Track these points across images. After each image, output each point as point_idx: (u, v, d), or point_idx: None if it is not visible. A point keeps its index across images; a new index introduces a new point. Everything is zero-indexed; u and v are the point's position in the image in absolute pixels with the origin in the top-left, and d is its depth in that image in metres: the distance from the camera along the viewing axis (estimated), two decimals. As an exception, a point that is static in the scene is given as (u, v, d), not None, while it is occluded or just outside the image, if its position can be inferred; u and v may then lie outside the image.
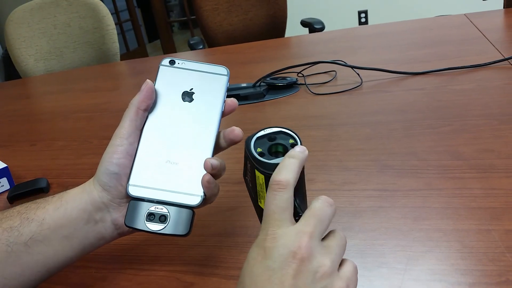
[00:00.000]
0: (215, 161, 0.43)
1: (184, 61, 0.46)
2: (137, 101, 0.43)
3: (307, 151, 0.38)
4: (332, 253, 0.34)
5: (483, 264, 0.43)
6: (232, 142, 0.45)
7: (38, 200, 0.44)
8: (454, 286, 0.41)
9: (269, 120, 0.88)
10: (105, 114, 1.11)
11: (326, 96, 0.96)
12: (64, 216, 0.42)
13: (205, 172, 0.43)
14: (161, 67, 0.46)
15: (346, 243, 0.36)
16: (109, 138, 0.93)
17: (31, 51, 1.88)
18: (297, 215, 0.36)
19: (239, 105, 0.99)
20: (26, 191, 0.73)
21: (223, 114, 0.46)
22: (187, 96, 0.45)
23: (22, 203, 0.71)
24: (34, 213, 0.42)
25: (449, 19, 1.45)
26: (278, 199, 0.35)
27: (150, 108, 0.44)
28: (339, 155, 0.69)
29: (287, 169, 0.36)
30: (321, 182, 0.62)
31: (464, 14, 1.45)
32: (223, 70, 0.46)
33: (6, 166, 0.77)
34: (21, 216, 0.42)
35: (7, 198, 0.73)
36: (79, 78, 1.60)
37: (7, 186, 0.77)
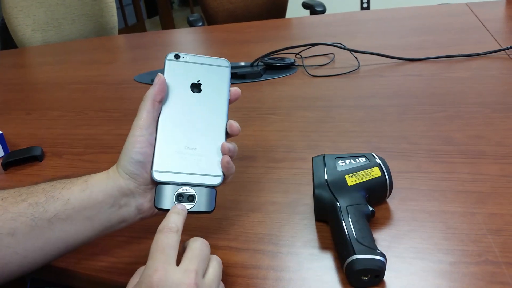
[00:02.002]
0: (231, 145, 0.47)
1: (188, 55, 0.49)
2: (152, 94, 0.46)
3: (186, 211, 0.43)
4: (213, 285, 0.38)
5: (465, 244, 0.44)
6: (232, 135, 0.48)
7: (62, 180, 0.45)
8: (436, 264, 0.43)
9: (265, 100, 0.88)
10: (101, 87, 1.11)
11: (323, 78, 0.96)
12: (89, 199, 0.43)
13: (221, 155, 0.46)
14: (167, 61, 0.49)
15: (221, 269, 0.41)
16: (104, 110, 0.94)
17: (29, 21, 1.86)
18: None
19: (236, 83, 0.99)
20: (20, 159, 0.74)
21: (229, 102, 0.49)
22: (196, 87, 0.48)
23: (16, 170, 0.73)
24: (59, 192, 0.43)
25: (450, 7, 1.44)
26: (170, 239, 0.38)
27: (163, 100, 0.47)
28: (333, 136, 0.70)
29: (177, 217, 0.41)
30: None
31: (466, 3, 1.44)
32: (224, 62, 0.50)
33: (1, 133, 0.78)
34: (47, 193, 0.43)
35: (1, 164, 0.73)
36: (77, 50, 1.59)
37: (1, 153, 0.78)
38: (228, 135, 0.48)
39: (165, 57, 0.49)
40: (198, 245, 0.39)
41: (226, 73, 0.49)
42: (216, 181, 0.45)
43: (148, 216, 0.47)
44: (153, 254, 0.37)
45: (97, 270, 0.48)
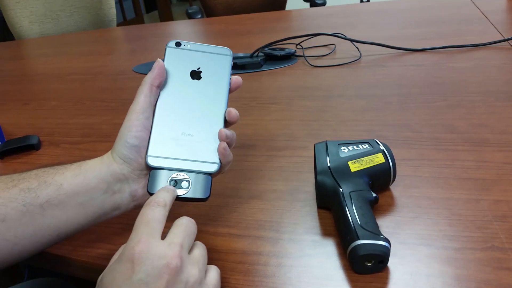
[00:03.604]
0: (228, 131, 0.45)
1: (189, 43, 0.48)
2: (150, 78, 0.45)
3: (175, 191, 0.42)
4: (200, 263, 0.36)
5: (470, 231, 0.44)
6: (231, 122, 0.47)
7: (56, 166, 0.44)
8: (440, 250, 0.42)
9: (265, 90, 0.87)
10: (99, 77, 1.10)
11: (324, 68, 0.95)
12: (83, 184, 0.42)
13: (219, 142, 0.45)
14: (168, 48, 0.48)
15: (207, 253, 0.39)
16: (102, 100, 0.93)
17: (26, 13, 1.84)
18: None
19: (236, 74, 0.98)
20: (16, 147, 0.73)
21: (230, 90, 0.48)
22: (195, 74, 0.47)
23: (12, 159, 0.71)
24: (52, 178, 0.42)
25: (452, -1, 1.43)
26: (156, 212, 0.37)
27: (161, 85, 0.46)
28: (334, 125, 0.69)
29: (166, 194, 0.40)
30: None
31: (467, -5, 1.43)
32: (226, 51, 0.49)
33: (-3, 122, 0.77)
34: (39, 179, 0.42)
35: (-2, 153, 0.72)
36: (75, 42, 1.58)
37: (-3, 142, 0.77)
38: (227, 123, 0.47)
39: (166, 44, 0.48)
40: (184, 221, 0.38)
41: (228, 62, 0.48)
42: (212, 168, 0.44)
43: (142, 203, 0.45)
44: (137, 227, 0.36)
45: (94, 257, 0.47)
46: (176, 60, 0.47)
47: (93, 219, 0.43)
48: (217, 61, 0.48)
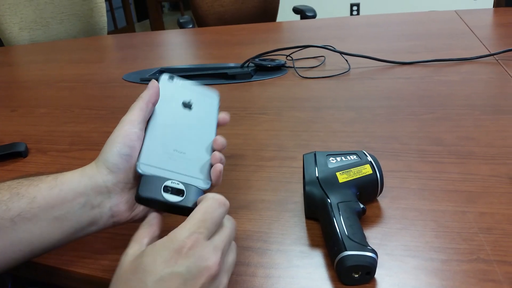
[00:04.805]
0: (222, 155, 0.47)
1: (181, 80, 0.51)
2: (147, 95, 0.45)
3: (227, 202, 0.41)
4: (229, 271, 0.38)
5: (456, 242, 0.44)
6: (218, 150, 0.48)
7: (31, 178, 0.42)
8: (427, 262, 0.42)
9: (255, 100, 0.87)
10: (88, 85, 1.09)
11: (314, 80, 0.96)
12: (58, 197, 0.40)
13: (210, 162, 0.46)
14: (161, 79, 0.50)
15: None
16: (91, 108, 0.92)
17: (16, 19, 1.83)
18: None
19: (226, 84, 0.98)
20: (3, 154, 0.72)
21: (218, 125, 0.50)
22: (187, 105, 0.50)
23: (-1, 165, 0.71)
24: (25, 190, 0.40)
25: (440, 14, 1.46)
26: (218, 212, 0.38)
27: (155, 106, 0.47)
28: (323, 136, 0.70)
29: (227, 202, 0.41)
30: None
31: (454, 11, 1.46)
32: (214, 94, 0.53)
33: (-16, 129, 0.76)
34: (11, 190, 0.40)
35: (-16, 160, 0.71)
36: (65, 49, 1.57)
37: (-17, 149, 0.76)
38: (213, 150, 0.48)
39: (160, 76, 0.50)
40: (230, 225, 0.39)
41: (216, 101, 0.52)
42: (204, 185, 0.44)
43: (122, 220, 0.43)
44: (193, 218, 0.37)
45: (80, 267, 0.47)
46: (169, 90, 0.49)
47: (70, 234, 0.41)
48: (207, 98, 0.52)
